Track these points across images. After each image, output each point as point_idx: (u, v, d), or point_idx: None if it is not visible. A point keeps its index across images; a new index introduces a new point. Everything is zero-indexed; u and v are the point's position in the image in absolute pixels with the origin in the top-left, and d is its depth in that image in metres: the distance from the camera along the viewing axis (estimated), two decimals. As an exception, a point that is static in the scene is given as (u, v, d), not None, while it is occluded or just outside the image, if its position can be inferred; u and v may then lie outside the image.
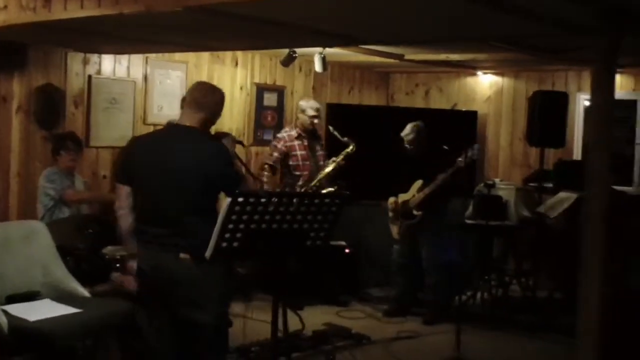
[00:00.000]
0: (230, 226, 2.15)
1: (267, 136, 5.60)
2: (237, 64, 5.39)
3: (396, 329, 4.25)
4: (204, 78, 5.00)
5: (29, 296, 3.01)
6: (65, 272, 3.20)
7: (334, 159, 4.63)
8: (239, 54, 5.35)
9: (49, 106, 4.29)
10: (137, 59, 4.76)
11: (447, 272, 4.54)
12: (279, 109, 5.72)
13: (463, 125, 5.87)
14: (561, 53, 4.35)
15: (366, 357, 3.77)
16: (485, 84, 6.23)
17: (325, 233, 2.34)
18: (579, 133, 5.67)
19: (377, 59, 5.13)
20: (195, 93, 2.64)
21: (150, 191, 2.55)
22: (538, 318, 4.34)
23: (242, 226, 2.16)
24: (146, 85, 4.83)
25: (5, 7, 3.34)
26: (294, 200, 2.25)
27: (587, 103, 5.60)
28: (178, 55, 4.92)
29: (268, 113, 5.64)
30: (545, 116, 4.74)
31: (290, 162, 4.71)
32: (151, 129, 4.66)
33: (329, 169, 4.60)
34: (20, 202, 4.22)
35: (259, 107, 5.56)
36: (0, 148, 4.21)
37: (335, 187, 4.55)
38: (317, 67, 4.91)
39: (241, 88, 5.44)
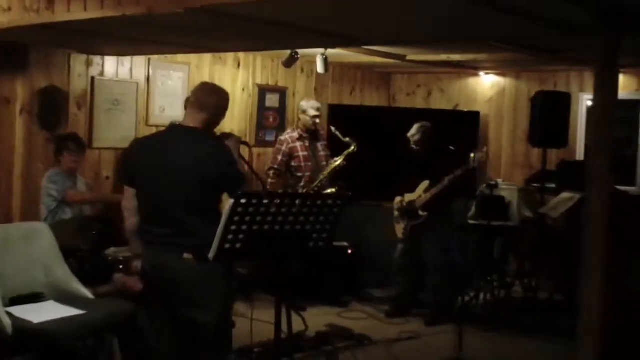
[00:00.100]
0: (233, 227, 2.16)
1: (269, 137, 5.61)
2: (239, 65, 5.40)
3: (398, 330, 4.25)
4: (206, 79, 5.01)
5: (33, 298, 3.02)
6: (68, 273, 3.21)
7: (335, 159, 4.64)
8: (241, 55, 5.36)
9: (51, 107, 4.31)
10: (139, 61, 4.78)
11: (450, 272, 4.54)
12: (281, 109, 5.73)
13: (465, 125, 5.87)
14: (562, 53, 4.35)
15: (368, 358, 3.78)
16: (487, 85, 6.23)
17: (327, 234, 2.34)
18: (581, 133, 5.65)
19: (378, 59, 5.14)
20: (199, 94, 2.66)
21: (152, 191, 2.57)
22: (539, 319, 4.34)
23: (244, 227, 2.17)
24: (148, 87, 4.84)
25: (9, 8, 3.36)
26: (296, 201, 2.25)
27: (590, 103, 5.59)
28: (180, 57, 4.94)
29: (270, 114, 5.65)
30: (547, 117, 4.73)
31: (293, 163, 4.72)
32: (153, 130, 4.68)
33: (330, 169, 4.61)
34: (23, 203, 4.23)
35: (261, 108, 5.57)
36: (3, 149, 4.23)
37: (336, 187, 4.56)
38: (319, 68, 4.92)
39: (243, 89, 5.46)
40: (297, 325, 3.59)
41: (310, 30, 3.27)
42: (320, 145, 4.82)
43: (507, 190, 5.20)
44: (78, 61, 4.47)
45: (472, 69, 5.95)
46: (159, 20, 3.00)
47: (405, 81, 6.64)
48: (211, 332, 2.53)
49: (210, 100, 2.61)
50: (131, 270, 3.20)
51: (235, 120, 5.28)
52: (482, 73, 6.14)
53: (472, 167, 4.22)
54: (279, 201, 2.21)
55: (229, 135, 2.73)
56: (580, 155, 5.63)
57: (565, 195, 4.61)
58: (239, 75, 5.41)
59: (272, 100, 5.65)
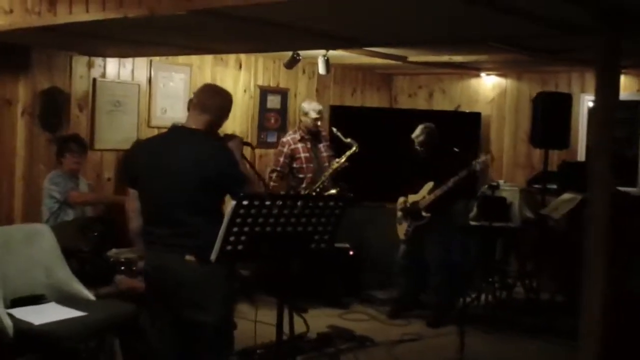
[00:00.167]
0: (235, 229, 2.16)
1: (271, 138, 5.61)
2: (240, 66, 5.41)
3: (400, 332, 4.25)
4: (208, 80, 5.02)
5: (34, 299, 3.02)
6: (70, 275, 3.21)
7: (337, 160, 4.65)
8: (243, 56, 5.37)
9: (53, 109, 4.31)
10: (141, 62, 4.78)
11: (452, 273, 4.54)
12: (283, 111, 5.73)
13: (466, 126, 5.87)
14: (562, 53, 4.35)
15: (369, 359, 3.77)
16: (488, 86, 6.23)
17: (329, 236, 2.34)
18: (582, 134, 5.64)
19: (380, 60, 5.14)
20: (201, 95, 2.66)
21: (154, 192, 2.57)
22: (541, 320, 4.34)
23: (246, 229, 2.17)
24: (150, 88, 4.85)
25: (11, 11, 3.37)
26: (298, 202, 2.25)
27: (591, 104, 5.58)
28: (182, 58, 4.94)
29: (271, 115, 5.66)
30: (548, 117, 4.73)
31: (294, 165, 4.72)
32: (155, 131, 4.68)
33: (331, 170, 4.62)
34: (25, 204, 4.24)
35: (263, 109, 5.58)
36: (5, 151, 4.24)
37: (338, 189, 4.56)
38: (321, 69, 4.92)
39: (245, 90, 5.46)
40: (299, 326, 3.59)
41: (312, 31, 3.28)
42: (322, 147, 4.82)
43: (509, 191, 5.20)
44: (80, 63, 4.47)
45: (474, 69, 5.95)
46: (161, 21, 3.01)
47: (407, 82, 6.64)
48: (212, 333, 2.53)
49: (212, 101, 2.61)
50: (135, 271, 3.21)
51: (237, 121, 5.28)
52: (483, 74, 6.13)
53: (476, 169, 4.25)
54: (280, 203, 2.21)
55: (232, 137, 2.73)
56: (581, 156, 5.63)
57: (566, 196, 4.61)
58: (240, 77, 5.42)
59: (273, 101, 5.66)
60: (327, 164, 4.72)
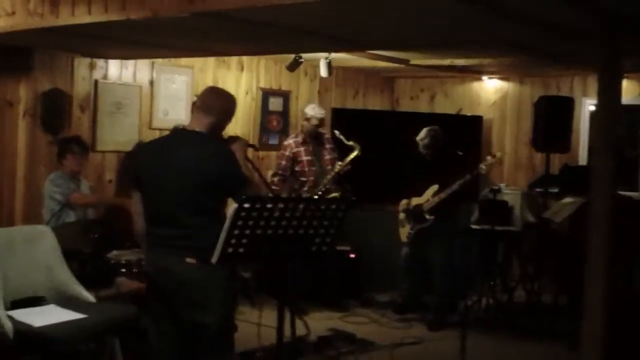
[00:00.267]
0: (236, 231, 2.15)
1: (273, 140, 5.61)
2: (242, 68, 5.41)
3: (401, 335, 4.24)
4: (210, 83, 5.02)
5: (34, 301, 3.01)
6: (70, 277, 3.20)
7: (339, 163, 4.64)
8: (245, 58, 5.37)
9: (55, 110, 4.31)
10: (143, 64, 4.78)
11: (456, 276, 4.54)
12: (284, 113, 5.73)
13: (468, 130, 5.87)
14: (564, 57, 4.35)
15: (371, 362, 3.77)
16: (490, 89, 6.23)
17: (330, 238, 2.34)
18: (584, 138, 5.66)
19: (382, 63, 5.14)
20: (205, 97, 2.66)
21: (156, 194, 2.57)
22: (542, 323, 4.33)
23: (247, 231, 2.16)
24: (152, 90, 4.85)
25: (13, 12, 3.37)
26: (300, 205, 2.25)
27: (593, 108, 5.58)
28: (184, 60, 4.94)
29: (273, 117, 5.65)
30: (550, 121, 4.72)
31: (297, 168, 4.72)
32: (157, 133, 4.68)
33: (334, 173, 4.61)
34: (26, 206, 4.23)
35: (264, 111, 5.58)
36: (6, 152, 4.24)
37: (340, 192, 4.56)
38: (323, 71, 4.92)
39: (247, 92, 5.46)
40: (299, 329, 3.58)
41: (314, 33, 3.28)
42: (326, 149, 4.81)
43: (510, 195, 5.20)
44: (82, 64, 4.47)
45: (476, 73, 5.95)
46: (164, 23, 3.01)
47: (409, 85, 6.64)
48: (213, 334, 2.53)
49: (216, 103, 2.61)
50: (135, 273, 3.20)
51: (239, 123, 5.28)
52: (485, 77, 6.13)
53: (482, 172, 4.25)
54: (282, 205, 2.21)
55: (235, 138, 2.72)
56: (583, 159, 5.63)
57: (567, 199, 4.61)
58: (242, 79, 5.42)
59: (275, 103, 5.66)
60: (330, 166, 4.72)
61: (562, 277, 4.69)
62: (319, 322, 4.32)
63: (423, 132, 4.54)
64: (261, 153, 5.48)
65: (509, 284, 4.86)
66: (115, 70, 4.65)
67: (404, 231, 4.63)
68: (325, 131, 4.91)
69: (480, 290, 4.65)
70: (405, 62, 5.06)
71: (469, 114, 6.18)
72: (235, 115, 2.72)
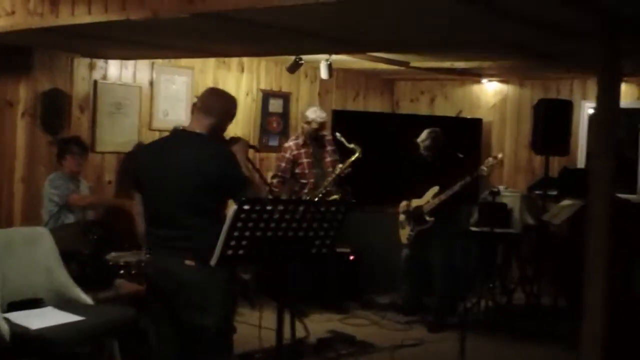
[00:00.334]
0: (236, 233, 2.15)
1: (273, 142, 5.60)
2: (242, 69, 5.41)
3: (401, 337, 4.23)
4: (210, 84, 5.01)
5: (32, 303, 3.00)
6: (68, 279, 3.19)
7: (340, 165, 4.64)
8: (245, 59, 5.37)
9: (54, 111, 4.30)
10: (143, 64, 4.78)
11: (457, 278, 4.54)
12: (284, 115, 5.73)
13: (468, 132, 5.87)
14: (563, 58, 4.35)
15: (370, 364, 3.77)
16: (490, 92, 6.23)
17: (330, 241, 2.33)
18: (583, 141, 5.67)
19: (382, 65, 5.14)
20: (206, 98, 2.66)
21: (156, 194, 2.57)
22: (542, 325, 4.33)
23: (247, 234, 2.16)
24: (152, 91, 4.84)
25: (13, 12, 3.36)
26: (300, 207, 2.24)
27: (591, 111, 5.59)
28: (184, 61, 4.94)
29: (273, 119, 5.65)
30: (549, 124, 4.73)
31: (297, 170, 4.72)
32: (156, 134, 4.68)
33: (335, 175, 4.61)
34: (25, 206, 4.22)
35: (264, 113, 5.58)
36: (5, 152, 4.23)
37: (341, 194, 4.56)
38: (323, 73, 4.92)
39: (247, 94, 5.46)
40: (299, 331, 3.57)
41: (315, 35, 3.27)
42: (327, 152, 4.80)
43: (509, 197, 5.20)
44: (81, 64, 4.47)
45: (475, 75, 5.96)
46: (164, 24, 3.00)
47: (409, 87, 6.64)
48: (212, 336, 2.52)
49: (217, 104, 2.61)
50: (134, 275, 3.19)
51: (239, 124, 5.27)
52: (485, 80, 6.14)
53: (483, 174, 4.26)
54: (282, 207, 2.20)
55: (237, 139, 2.72)
56: (581, 162, 5.64)
57: (566, 202, 4.61)
58: (242, 80, 5.42)
59: (275, 105, 5.65)
60: (331, 169, 4.71)
61: (561, 279, 4.70)
62: (318, 324, 4.31)
63: (424, 134, 4.55)
64: (261, 154, 5.47)
65: (508, 286, 4.86)
66: (115, 70, 4.65)
67: (404, 233, 4.62)
68: (327, 133, 4.90)
69: (480, 292, 4.65)
70: (405, 64, 5.06)
71: (468, 117, 6.18)
72: (236, 117, 2.72)
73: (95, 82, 4.53)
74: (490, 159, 4.41)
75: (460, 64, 5.06)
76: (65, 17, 3.14)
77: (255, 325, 3.52)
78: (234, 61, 5.30)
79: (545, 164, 4.90)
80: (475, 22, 2.87)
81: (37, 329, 2.72)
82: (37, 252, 3.18)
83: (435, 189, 4.45)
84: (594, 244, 2.63)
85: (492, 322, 4.47)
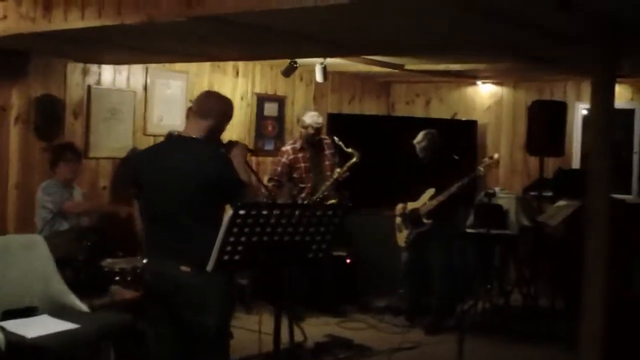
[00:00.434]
0: (232, 239, 2.13)
1: (268, 146, 5.59)
2: (237, 73, 5.39)
3: (398, 340, 4.22)
4: (205, 87, 4.99)
5: (27, 311, 2.97)
6: (63, 286, 3.17)
7: (337, 170, 4.63)
8: (240, 63, 5.35)
9: (48, 116, 4.27)
10: (137, 69, 4.75)
11: (455, 280, 4.53)
12: (280, 118, 5.72)
13: (463, 134, 5.88)
14: (558, 61, 4.36)
15: (368, 368, 3.75)
16: (485, 94, 6.25)
17: (327, 245, 2.32)
18: (577, 142, 5.70)
19: (377, 68, 5.14)
20: (202, 101, 2.65)
21: (153, 199, 2.56)
22: (539, 326, 4.33)
23: (243, 239, 2.15)
24: (146, 95, 4.82)
25: (5, 16, 3.34)
26: (296, 212, 2.23)
27: (585, 112, 5.62)
28: (179, 65, 4.92)
29: (268, 123, 5.64)
30: (544, 125, 4.74)
31: (294, 175, 4.71)
32: (151, 139, 4.66)
33: (332, 180, 4.60)
34: (18, 213, 4.19)
35: (260, 116, 5.56)
36: (-2, 159, 4.19)
37: (338, 198, 4.55)
38: (318, 77, 4.91)
39: (242, 98, 5.44)
40: (297, 335, 3.55)
41: (312, 38, 3.26)
42: (326, 155, 4.79)
43: (505, 199, 5.20)
44: (75, 70, 4.44)
45: (471, 78, 5.97)
46: (159, 28, 2.99)
47: (404, 90, 6.65)
48: (212, 336, 2.51)
49: (214, 107, 2.60)
50: (129, 281, 3.16)
51: (234, 128, 5.26)
52: (480, 82, 6.15)
53: (480, 174, 4.26)
54: (278, 212, 2.19)
55: (235, 143, 2.70)
56: (576, 163, 5.66)
57: (562, 203, 4.62)
58: (238, 84, 5.40)
59: (270, 109, 5.64)
60: (330, 172, 4.70)
61: (558, 280, 4.70)
62: (316, 328, 4.29)
63: (420, 135, 4.55)
64: (256, 158, 5.46)
65: (506, 287, 4.86)
66: (109, 75, 4.62)
67: (401, 236, 4.62)
68: (326, 137, 4.90)
69: (477, 294, 4.65)
70: (400, 67, 5.06)
71: (463, 119, 6.19)
72: (231, 121, 2.71)
73: (89, 87, 4.50)
74: (487, 158, 4.43)
75: (455, 67, 5.06)
76: (58, 22, 3.11)
77: (252, 330, 3.50)
78: (229, 65, 5.29)
79: (540, 165, 4.91)
80: (471, 25, 2.87)
81: (33, 337, 2.70)
82: (32, 260, 3.16)
83: (431, 191, 4.45)
84: (593, 244, 2.63)
85: (489, 323, 4.47)
